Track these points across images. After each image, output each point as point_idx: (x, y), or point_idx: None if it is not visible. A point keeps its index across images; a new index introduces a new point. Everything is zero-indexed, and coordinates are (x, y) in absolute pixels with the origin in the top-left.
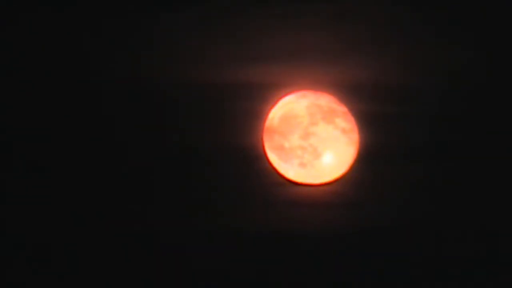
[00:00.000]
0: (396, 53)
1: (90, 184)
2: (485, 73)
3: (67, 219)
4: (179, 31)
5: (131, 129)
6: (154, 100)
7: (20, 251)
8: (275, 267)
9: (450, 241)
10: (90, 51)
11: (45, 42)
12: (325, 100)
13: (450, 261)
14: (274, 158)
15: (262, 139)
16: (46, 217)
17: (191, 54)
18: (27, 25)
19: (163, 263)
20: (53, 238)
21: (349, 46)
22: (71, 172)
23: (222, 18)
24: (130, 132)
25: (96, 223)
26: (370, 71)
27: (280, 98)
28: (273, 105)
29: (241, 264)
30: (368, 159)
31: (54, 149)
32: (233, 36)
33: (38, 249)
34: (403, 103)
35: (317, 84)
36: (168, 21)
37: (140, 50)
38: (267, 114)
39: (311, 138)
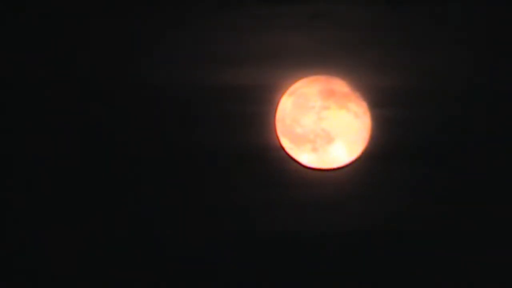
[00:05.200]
0: (385, 56)
1: (99, 186)
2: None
3: (76, 221)
4: (178, 32)
5: (135, 130)
6: (155, 101)
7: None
8: (288, 264)
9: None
10: (91, 53)
11: (45, 43)
12: (338, 85)
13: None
14: (286, 143)
15: (275, 132)
16: (48, 219)
17: (191, 55)
18: (27, 25)
19: (177, 263)
20: (54, 239)
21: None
22: (78, 174)
23: (222, 18)
24: (135, 133)
25: (108, 224)
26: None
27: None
28: (278, 104)
29: (256, 262)
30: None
31: (57, 151)
32: (227, 36)
33: (38, 251)
34: (390, 105)
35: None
36: (169, 22)
37: (145, 52)
38: (274, 114)
39: (324, 123)
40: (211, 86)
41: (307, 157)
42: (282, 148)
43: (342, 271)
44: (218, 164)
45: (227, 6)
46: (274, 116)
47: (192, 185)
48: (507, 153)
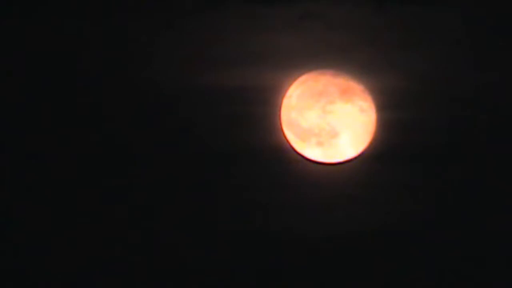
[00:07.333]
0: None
1: (100, 186)
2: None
3: (76, 220)
4: (180, 34)
5: (139, 132)
6: (159, 102)
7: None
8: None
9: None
10: (96, 57)
11: (44, 43)
12: (343, 80)
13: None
14: (291, 137)
15: (280, 127)
16: (54, 221)
17: (193, 57)
18: (29, 26)
19: (179, 262)
20: (55, 239)
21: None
22: (78, 175)
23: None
24: (140, 134)
25: (110, 226)
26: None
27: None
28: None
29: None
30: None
31: (56, 151)
32: (227, 37)
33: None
34: (386, 105)
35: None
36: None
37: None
38: (279, 109)
39: (329, 117)
40: (212, 88)
41: (312, 151)
42: (288, 143)
43: (342, 270)
44: (223, 162)
45: (227, 8)
46: (279, 111)
47: (196, 184)
48: (507, 154)
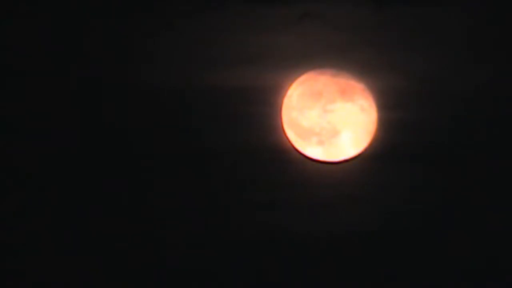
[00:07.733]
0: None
1: (101, 186)
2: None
3: (77, 221)
4: (179, 35)
5: (137, 130)
6: (160, 102)
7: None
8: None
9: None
10: (100, 58)
11: (46, 44)
12: (344, 77)
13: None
14: (292, 136)
15: (281, 126)
16: (54, 221)
17: (192, 58)
18: (30, 26)
19: (181, 262)
20: (55, 240)
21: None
22: (78, 175)
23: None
24: (146, 135)
25: (113, 226)
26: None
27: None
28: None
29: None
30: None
31: (56, 152)
32: (227, 38)
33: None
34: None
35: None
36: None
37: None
38: (280, 108)
39: (329, 116)
40: (212, 88)
41: (313, 150)
42: (289, 142)
43: (342, 270)
44: (223, 162)
45: (227, 8)
46: (280, 111)
47: (196, 184)
48: (507, 154)
